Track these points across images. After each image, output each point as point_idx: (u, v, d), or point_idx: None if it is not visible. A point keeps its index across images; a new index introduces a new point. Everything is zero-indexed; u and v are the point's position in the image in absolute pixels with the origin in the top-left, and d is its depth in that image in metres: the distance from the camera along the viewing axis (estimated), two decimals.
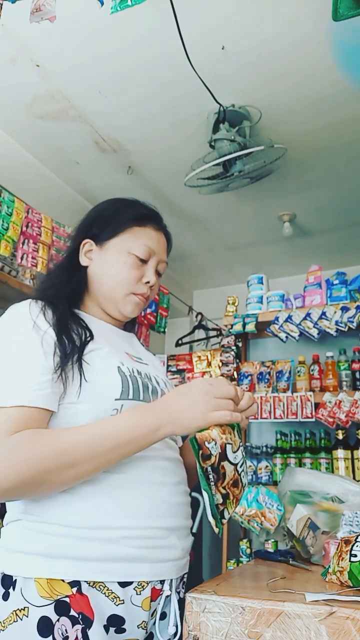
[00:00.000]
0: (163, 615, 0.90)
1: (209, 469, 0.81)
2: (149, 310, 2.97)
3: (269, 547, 2.46)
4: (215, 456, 0.82)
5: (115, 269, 1.05)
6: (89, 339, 0.94)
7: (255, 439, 2.87)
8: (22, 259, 2.31)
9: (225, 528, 2.57)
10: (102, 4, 1.36)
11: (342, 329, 2.45)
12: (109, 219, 1.08)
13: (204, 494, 0.81)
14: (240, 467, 0.87)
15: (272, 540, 2.45)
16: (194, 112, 2.46)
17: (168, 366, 3.13)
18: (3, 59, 2.19)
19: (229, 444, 0.84)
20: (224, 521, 0.83)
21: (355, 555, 0.82)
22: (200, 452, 0.81)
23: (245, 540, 2.57)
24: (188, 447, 1.11)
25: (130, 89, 2.34)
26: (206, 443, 0.82)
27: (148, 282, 1.07)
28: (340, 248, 3.74)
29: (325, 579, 0.90)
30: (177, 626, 0.88)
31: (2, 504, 0.94)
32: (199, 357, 3.12)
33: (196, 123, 2.52)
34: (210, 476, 0.81)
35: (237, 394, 0.87)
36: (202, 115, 2.46)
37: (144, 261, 1.06)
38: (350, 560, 0.83)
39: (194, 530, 1.00)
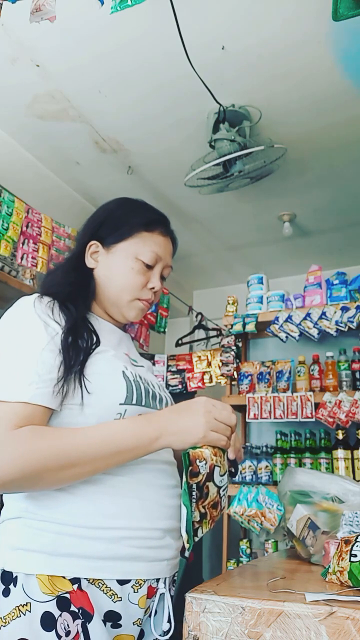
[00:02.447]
0: (154, 613, 0.92)
1: (194, 486, 0.82)
2: (149, 310, 2.97)
3: (269, 547, 2.46)
4: (203, 475, 0.83)
5: (122, 274, 1.04)
6: (94, 346, 0.94)
7: (255, 439, 2.87)
8: (22, 259, 2.31)
9: (225, 528, 2.57)
10: (102, 3, 1.36)
11: (342, 329, 2.45)
12: (117, 222, 1.07)
13: (183, 508, 0.82)
14: (223, 490, 0.89)
15: (272, 540, 2.44)
16: (194, 112, 2.46)
17: (168, 366, 3.13)
18: (3, 59, 2.19)
19: (217, 466, 0.86)
20: (196, 539, 0.84)
21: (355, 555, 0.82)
22: (190, 468, 0.82)
23: (245, 540, 2.57)
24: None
25: (131, 89, 2.34)
26: (197, 461, 0.83)
27: (153, 288, 1.07)
28: (340, 248, 3.74)
29: (325, 579, 0.90)
30: (170, 622, 0.90)
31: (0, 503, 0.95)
32: (199, 357, 3.11)
33: (196, 123, 2.52)
34: (194, 493, 0.82)
35: (235, 424, 0.89)
36: (202, 115, 2.46)
37: (149, 267, 1.06)
38: (350, 560, 0.83)
39: None
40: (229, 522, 2.58)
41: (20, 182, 2.67)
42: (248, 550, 2.55)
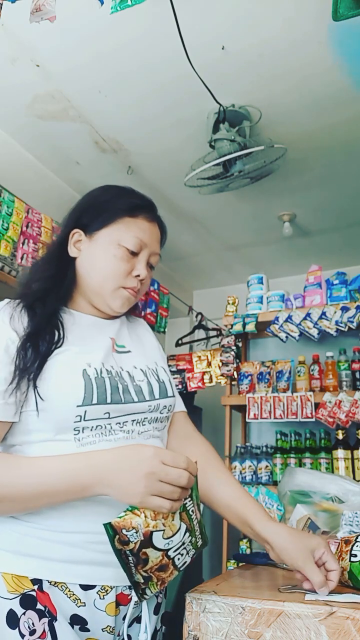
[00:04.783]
0: (140, 620, 0.89)
1: (128, 552, 0.74)
2: (149, 310, 2.97)
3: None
4: (136, 543, 0.74)
5: (104, 261, 0.99)
6: (54, 347, 0.91)
7: (255, 439, 2.87)
8: (22, 259, 2.31)
9: (225, 528, 2.57)
10: (102, 3, 1.36)
11: (342, 329, 2.45)
12: (99, 208, 1.03)
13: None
14: (176, 550, 0.78)
15: None
16: (194, 112, 2.46)
17: (168, 366, 3.12)
18: (3, 59, 2.19)
19: (158, 530, 0.75)
20: (146, 597, 0.79)
21: (355, 555, 0.82)
22: (117, 537, 0.73)
23: (245, 540, 2.57)
24: (182, 428, 1.08)
25: (131, 89, 2.34)
26: (124, 530, 0.73)
27: (138, 276, 1.01)
28: (340, 248, 3.74)
29: None
30: (147, 633, 0.86)
31: None
32: (199, 357, 3.11)
33: (196, 123, 2.52)
34: (130, 559, 0.74)
35: (188, 481, 0.77)
36: (202, 115, 2.46)
37: (134, 254, 1.00)
38: (350, 560, 0.83)
39: None
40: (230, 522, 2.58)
41: (20, 182, 2.67)
42: (248, 551, 2.55)
